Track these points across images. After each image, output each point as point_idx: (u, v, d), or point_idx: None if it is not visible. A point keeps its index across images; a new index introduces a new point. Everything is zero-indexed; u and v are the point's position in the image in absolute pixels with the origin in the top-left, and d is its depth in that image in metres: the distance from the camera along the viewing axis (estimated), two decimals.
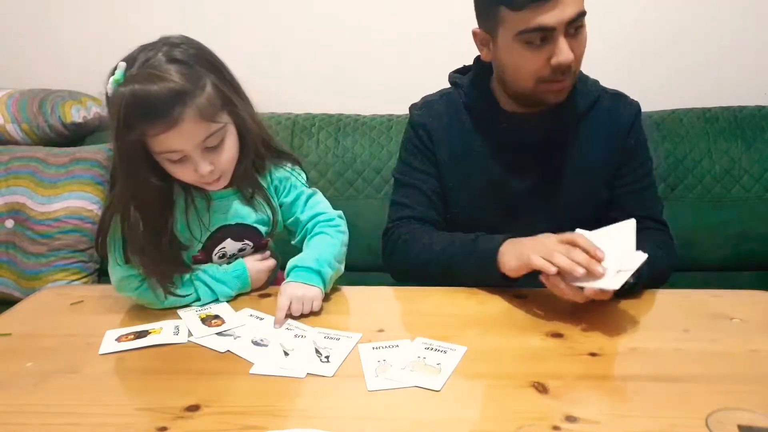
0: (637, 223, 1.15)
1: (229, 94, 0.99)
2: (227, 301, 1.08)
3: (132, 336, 0.97)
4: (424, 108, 1.25)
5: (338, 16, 1.86)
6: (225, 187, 1.06)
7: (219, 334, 0.97)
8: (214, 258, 1.12)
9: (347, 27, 1.86)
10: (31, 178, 1.67)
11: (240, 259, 1.12)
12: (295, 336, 0.96)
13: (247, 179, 1.08)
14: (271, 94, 1.87)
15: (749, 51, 1.81)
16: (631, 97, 1.24)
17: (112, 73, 0.93)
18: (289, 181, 1.15)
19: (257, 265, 1.12)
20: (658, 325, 0.97)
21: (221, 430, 0.76)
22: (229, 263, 1.12)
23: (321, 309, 1.04)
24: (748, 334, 0.95)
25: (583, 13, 1.04)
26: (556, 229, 1.18)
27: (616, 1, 1.79)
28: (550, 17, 1.01)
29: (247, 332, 0.97)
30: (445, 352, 0.90)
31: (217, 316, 1.02)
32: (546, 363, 0.88)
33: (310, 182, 1.21)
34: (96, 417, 0.79)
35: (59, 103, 1.76)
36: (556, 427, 0.74)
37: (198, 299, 1.07)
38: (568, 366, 0.87)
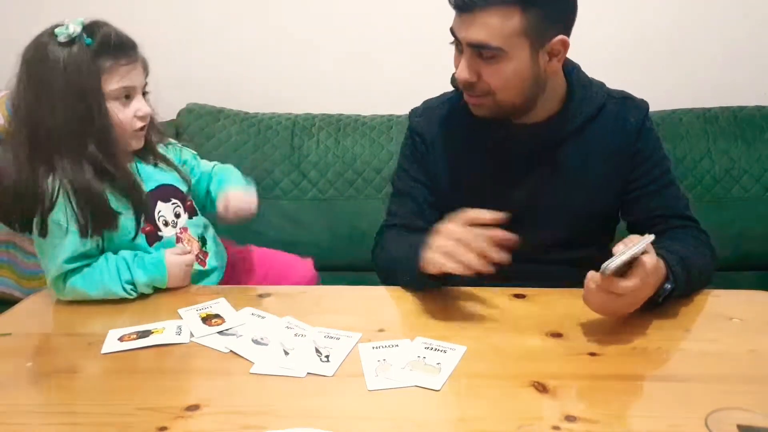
0: (662, 223, 1.15)
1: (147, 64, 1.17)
2: (145, 293, 1.10)
3: (134, 336, 0.97)
4: (425, 115, 1.24)
5: (339, 16, 1.86)
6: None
7: (220, 333, 0.97)
8: (160, 224, 1.18)
9: (347, 27, 1.86)
10: None
11: (162, 249, 1.14)
12: (295, 335, 0.96)
13: (148, 147, 1.20)
14: (271, 94, 1.88)
15: (749, 51, 1.81)
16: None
17: (53, 28, 1.10)
18: (176, 147, 1.30)
19: (175, 258, 1.13)
20: (657, 324, 0.97)
21: (221, 430, 0.76)
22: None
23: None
24: (747, 334, 0.95)
25: (487, 46, 1.01)
26: (559, 239, 1.18)
27: (616, 2, 1.79)
28: (458, 28, 1.04)
29: (248, 331, 0.98)
30: (444, 351, 0.90)
31: (217, 315, 1.02)
32: (546, 363, 0.88)
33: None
34: (96, 417, 0.79)
35: None
36: (555, 427, 0.74)
37: (119, 279, 1.08)
38: (567, 366, 0.87)
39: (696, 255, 1.06)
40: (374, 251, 1.26)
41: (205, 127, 1.75)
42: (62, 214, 1.07)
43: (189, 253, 1.17)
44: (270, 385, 0.85)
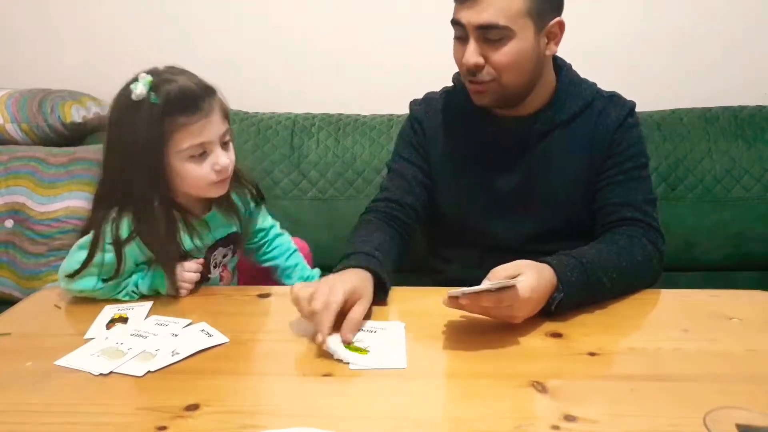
0: (615, 213, 1.16)
1: (228, 109, 1.12)
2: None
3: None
4: (423, 104, 1.30)
5: (339, 16, 1.86)
6: (207, 212, 1.17)
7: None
8: (211, 266, 1.20)
9: (347, 27, 1.86)
10: (30, 178, 1.67)
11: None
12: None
13: (225, 194, 1.16)
14: (271, 94, 1.88)
15: (750, 51, 1.81)
16: (632, 97, 1.23)
17: (129, 84, 1.04)
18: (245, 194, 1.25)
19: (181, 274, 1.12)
20: (657, 324, 0.97)
21: (221, 430, 0.76)
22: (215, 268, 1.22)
23: None
24: (746, 334, 0.95)
25: (495, 26, 1.05)
26: (545, 227, 1.21)
27: (617, 2, 1.79)
28: (463, 14, 1.07)
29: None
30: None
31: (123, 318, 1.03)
32: (545, 362, 0.88)
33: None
34: (96, 417, 0.79)
35: (59, 103, 1.76)
36: (555, 427, 0.74)
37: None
38: (567, 365, 0.87)
39: (618, 258, 1.05)
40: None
41: None
42: (133, 252, 1.09)
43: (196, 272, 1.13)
44: (270, 385, 0.86)
